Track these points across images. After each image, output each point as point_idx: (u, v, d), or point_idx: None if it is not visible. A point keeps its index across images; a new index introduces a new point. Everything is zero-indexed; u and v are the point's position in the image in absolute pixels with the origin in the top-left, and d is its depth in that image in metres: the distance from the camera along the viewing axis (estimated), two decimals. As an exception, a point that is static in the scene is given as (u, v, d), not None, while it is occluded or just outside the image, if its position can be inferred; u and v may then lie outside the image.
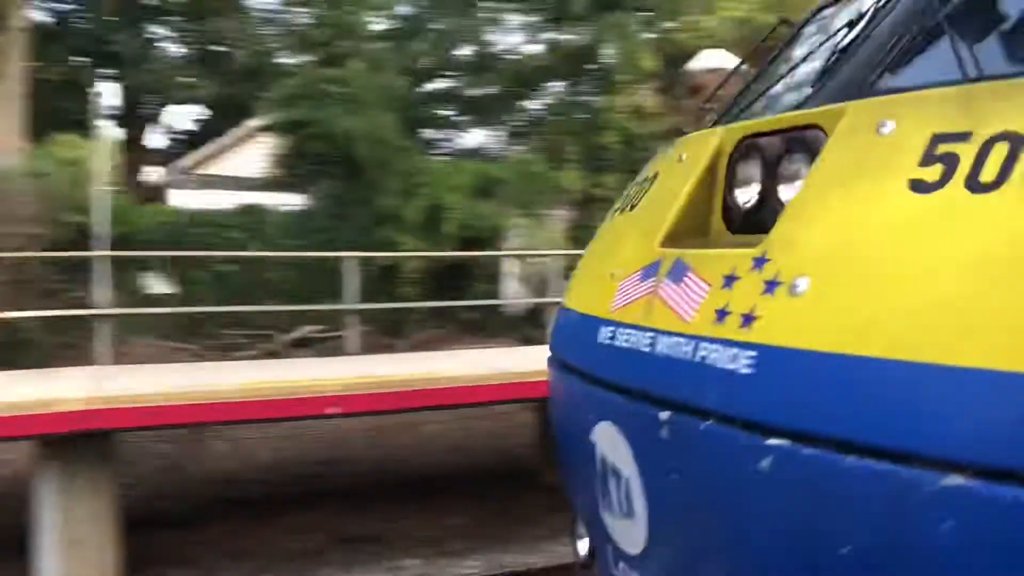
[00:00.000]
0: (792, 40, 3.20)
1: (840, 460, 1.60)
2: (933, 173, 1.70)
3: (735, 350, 1.89)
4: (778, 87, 2.79)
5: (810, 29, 3.14)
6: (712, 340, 1.97)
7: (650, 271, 2.36)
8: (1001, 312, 1.46)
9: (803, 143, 2.14)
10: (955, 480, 1.43)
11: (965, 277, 1.55)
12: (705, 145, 2.53)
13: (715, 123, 2.99)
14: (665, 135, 14.89)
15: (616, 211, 3.06)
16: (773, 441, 1.74)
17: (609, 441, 2.33)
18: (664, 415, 2.06)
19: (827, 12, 3.03)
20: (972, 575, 1.44)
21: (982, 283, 1.52)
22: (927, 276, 1.61)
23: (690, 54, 12.85)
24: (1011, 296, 1.45)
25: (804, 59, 2.68)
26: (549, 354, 3.05)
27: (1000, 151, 1.61)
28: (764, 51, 3.84)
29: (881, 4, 2.38)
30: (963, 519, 1.43)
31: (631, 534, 2.29)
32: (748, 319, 1.89)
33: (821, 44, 2.64)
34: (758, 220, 2.20)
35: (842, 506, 1.62)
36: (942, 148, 1.73)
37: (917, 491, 1.48)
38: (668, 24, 16.09)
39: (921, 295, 1.60)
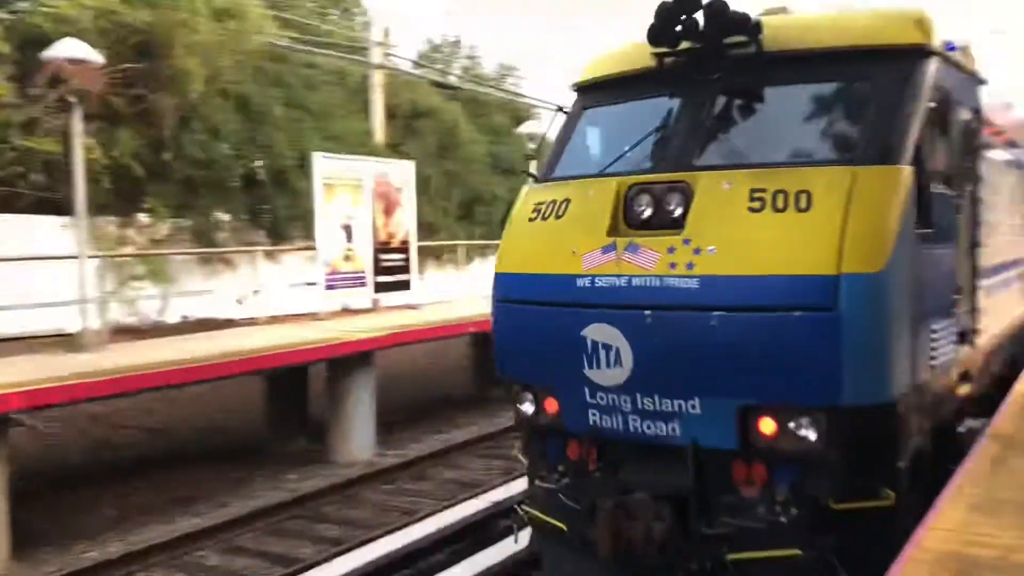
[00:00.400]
0: (572, 124, 5.96)
1: (750, 316, 4.40)
2: (756, 205, 4.50)
3: (686, 279, 4.52)
4: (593, 157, 5.80)
5: (591, 118, 5.96)
6: (670, 276, 4.57)
7: (609, 248, 4.82)
8: (777, 254, 4.40)
9: (677, 190, 4.77)
10: (793, 312, 4.33)
11: (777, 242, 4.40)
12: (608, 187, 5.01)
13: (546, 175, 5.79)
14: (24, 126, 13.42)
15: (534, 219, 5.37)
16: (716, 312, 4.44)
17: (600, 332, 4.76)
18: (647, 312, 4.61)
19: (601, 110, 5.92)
20: (790, 342, 4.34)
21: (783, 244, 4.39)
22: (763, 243, 4.42)
23: (49, 41, 11.73)
24: (785, 249, 4.39)
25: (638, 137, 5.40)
26: (501, 299, 5.46)
27: (781, 197, 4.47)
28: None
29: (669, 116, 5.31)
30: (797, 327, 4.32)
31: (614, 376, 4.75)
32: (690, 266, 4.53)
33: (617, 133, 5.69)
34: (649, 223, 4.82)
35: (748, 333, 4.40)
36: (756, 195, 4.51)
37: (775, 319, 4.35)
38: (22, 4, 14.58)
39: (761, 250, 4.41)
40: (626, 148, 5.34)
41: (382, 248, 14.08)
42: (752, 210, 4.50)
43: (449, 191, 22.59)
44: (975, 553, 3.61)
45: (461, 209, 23.19)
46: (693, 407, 4.62)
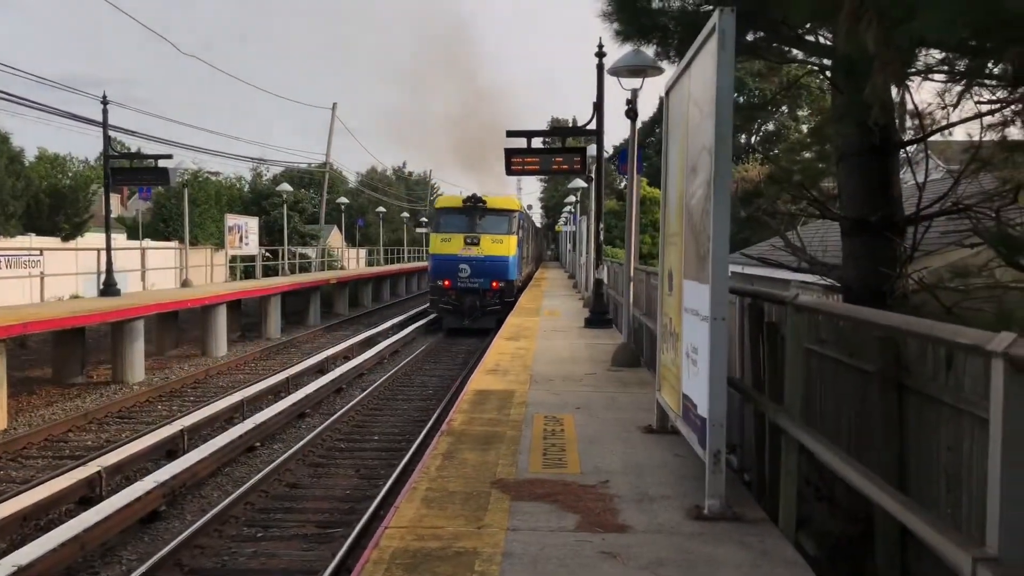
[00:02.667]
0: (439, 215, 29.64)
1: (493, 263, 27.86)
2: (493, 241, 28.43)
3: (483, 255, 27.91)
4: (453, 227, 28.67)
5: (443, 216, 29.64)
6: (479, 254, 28.11)
7: (464, 248, 27.96)
8: (500, 250, 28.82)
9: (478, 238, 28.41)
10: (502, 261, 28.31)
11: (499, 248, 28.22)
12: (459, 236, 28.10)
13: (435, 230, 29.44)
14: None
15: (442, 241, 28.35)
16: (488, 261, 28.04)
17: (463, 265, 27.83)
18: (477, 262, 27.74)
19: (452, 210, 29.31)
20: (501, 267, 28.06)
21: (500, 248, 28.53)
22: (497, 248, 28.06)
23: None
24: (501, 250, 28.76)
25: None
26: (435, 259, 28.39)
27: (498, 239, 28.59)
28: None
29: (469, 218, 28.67)
30: (502, 264, 28.12)
31: (466, 275, 27.79)
32: (481, 251, 28.15)
33: (460, 217, 29.19)
34: (471, 245, 28.04)
35: (492, 265, 28.06)
36: (493, 239, 28.32)
37: (499, 263, 28.14)
38: None
39: (497, 250, 28.07)
40: (457, 227, 26.86)
41: None
42: (493, 242, 26.63)
43: None
44: (426, 546, 3.76)
45: None
46: (484, 280, 26.71)
